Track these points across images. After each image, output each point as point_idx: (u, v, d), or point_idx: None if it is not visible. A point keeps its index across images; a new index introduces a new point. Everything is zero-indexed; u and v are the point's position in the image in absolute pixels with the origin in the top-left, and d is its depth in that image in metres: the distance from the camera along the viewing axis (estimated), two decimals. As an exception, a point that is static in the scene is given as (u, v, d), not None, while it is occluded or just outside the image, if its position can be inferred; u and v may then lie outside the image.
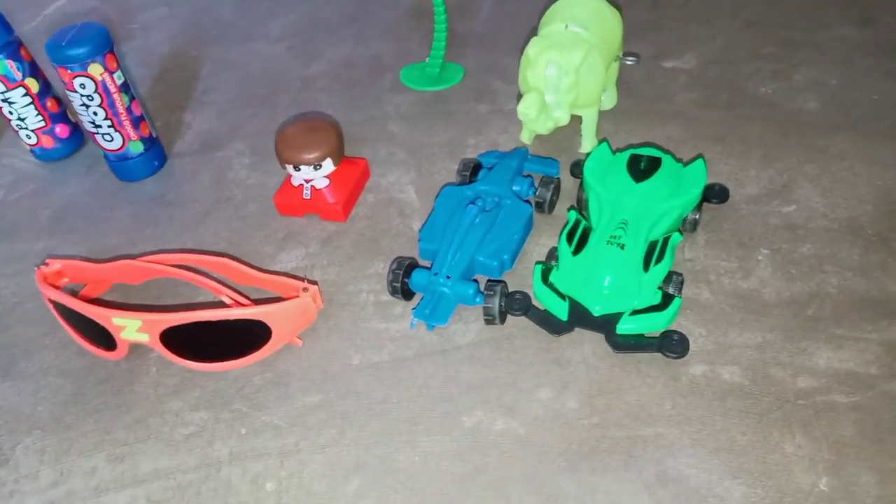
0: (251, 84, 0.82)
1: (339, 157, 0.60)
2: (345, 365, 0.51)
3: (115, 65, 0.63)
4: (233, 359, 0.51)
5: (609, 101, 0.69)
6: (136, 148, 0.68)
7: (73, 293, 0.58)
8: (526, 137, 0.66)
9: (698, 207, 0.54)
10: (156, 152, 0.70)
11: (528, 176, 0.61)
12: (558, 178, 0.60)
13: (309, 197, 0.61)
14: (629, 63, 0.66)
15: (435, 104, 0.74)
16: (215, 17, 0.95)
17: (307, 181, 0.61)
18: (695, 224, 0.55)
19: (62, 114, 0.73)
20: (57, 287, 0.55)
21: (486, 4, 0.89)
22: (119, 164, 0.69)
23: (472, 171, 0.61)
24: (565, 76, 0.58)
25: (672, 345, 0.48)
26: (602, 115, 0.69)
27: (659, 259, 0.50)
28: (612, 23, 0.63)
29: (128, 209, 0.67)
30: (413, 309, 0.52)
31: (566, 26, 0.60)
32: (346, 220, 0.62)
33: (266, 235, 0.62)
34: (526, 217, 0.56)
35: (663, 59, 0.75)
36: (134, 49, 0.92)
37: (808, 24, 0.76)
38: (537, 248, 0.57)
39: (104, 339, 0.51)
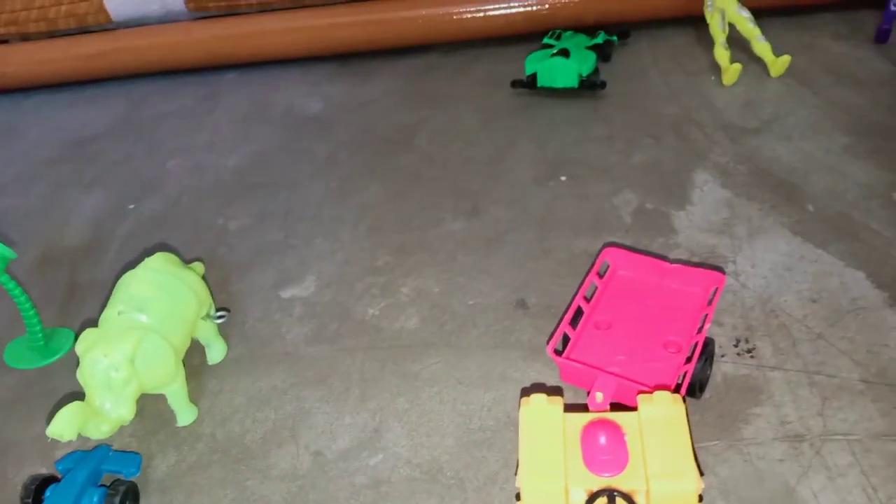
0: None
1: None
2: None
3: None
4: None
5: (217, 354, 0.66)
6: None
7: None
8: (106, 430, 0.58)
9: None
10: None
11: (102, 486, 0.55)
12: (132, 482, 0.55)
13: None
14: (219, 322, 0.64)
15: (40, 382, 0.68)
16: None
17: None
18: None
19: None
20: None
21: (113, 246, 0.84)
22: None
23: (36, 491, 0.55)
24: (115, 371, 0.54)
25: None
26: (209, 371, 0.66)
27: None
28: (181, 292, 0.60)
29: None
30: None
31: (119, 312, 0.58)
32: None
33: None
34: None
35: (283, 286, 0.74)
36: None
37: (424, 221, 0.79)
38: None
39: None
